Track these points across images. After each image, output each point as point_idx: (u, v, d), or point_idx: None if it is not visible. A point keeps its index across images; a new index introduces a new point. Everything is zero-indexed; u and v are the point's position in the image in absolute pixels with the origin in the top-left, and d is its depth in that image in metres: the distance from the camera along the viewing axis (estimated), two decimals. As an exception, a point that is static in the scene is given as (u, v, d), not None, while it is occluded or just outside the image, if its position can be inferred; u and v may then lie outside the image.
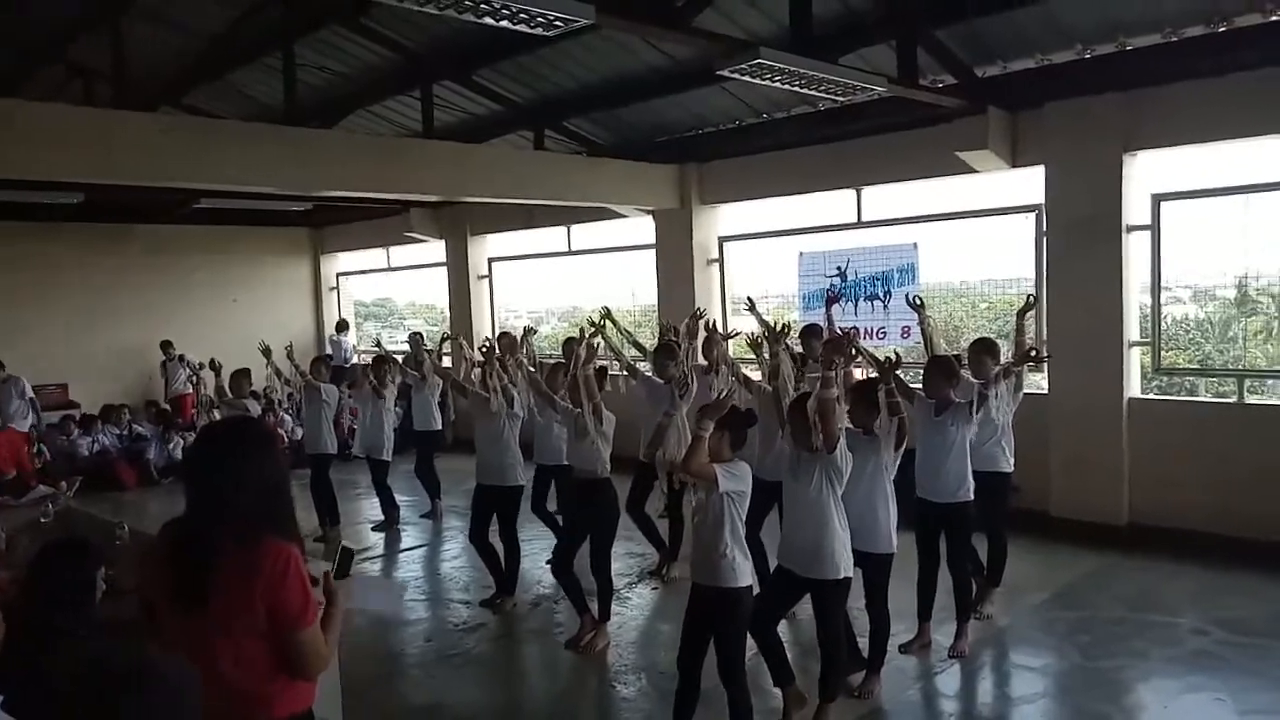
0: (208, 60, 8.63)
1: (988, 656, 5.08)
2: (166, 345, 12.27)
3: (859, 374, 5.53)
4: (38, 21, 7.91)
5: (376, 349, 10.26)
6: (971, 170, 7.51)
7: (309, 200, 11.84)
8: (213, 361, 7.78)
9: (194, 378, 8.24)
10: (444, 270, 13.04)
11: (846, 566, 4.12)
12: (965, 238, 8.52)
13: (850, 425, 4.37)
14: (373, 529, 8.41)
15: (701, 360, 7.20)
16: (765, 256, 9.99)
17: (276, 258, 14.72)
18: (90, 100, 8.52)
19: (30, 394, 10.48)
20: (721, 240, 9.92)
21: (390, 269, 14.71)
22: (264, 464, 2.34)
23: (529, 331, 8.46)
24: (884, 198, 8.62)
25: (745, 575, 3.76)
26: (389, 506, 8.45)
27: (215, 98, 9.44)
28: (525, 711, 4.80)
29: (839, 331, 5.91)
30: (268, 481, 2.33)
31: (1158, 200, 6.84)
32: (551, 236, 11.71)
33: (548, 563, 7.03)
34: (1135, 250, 7.00)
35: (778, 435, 5.14)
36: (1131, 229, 6.93)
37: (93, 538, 3.94)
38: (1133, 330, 7.09)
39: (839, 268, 8.70)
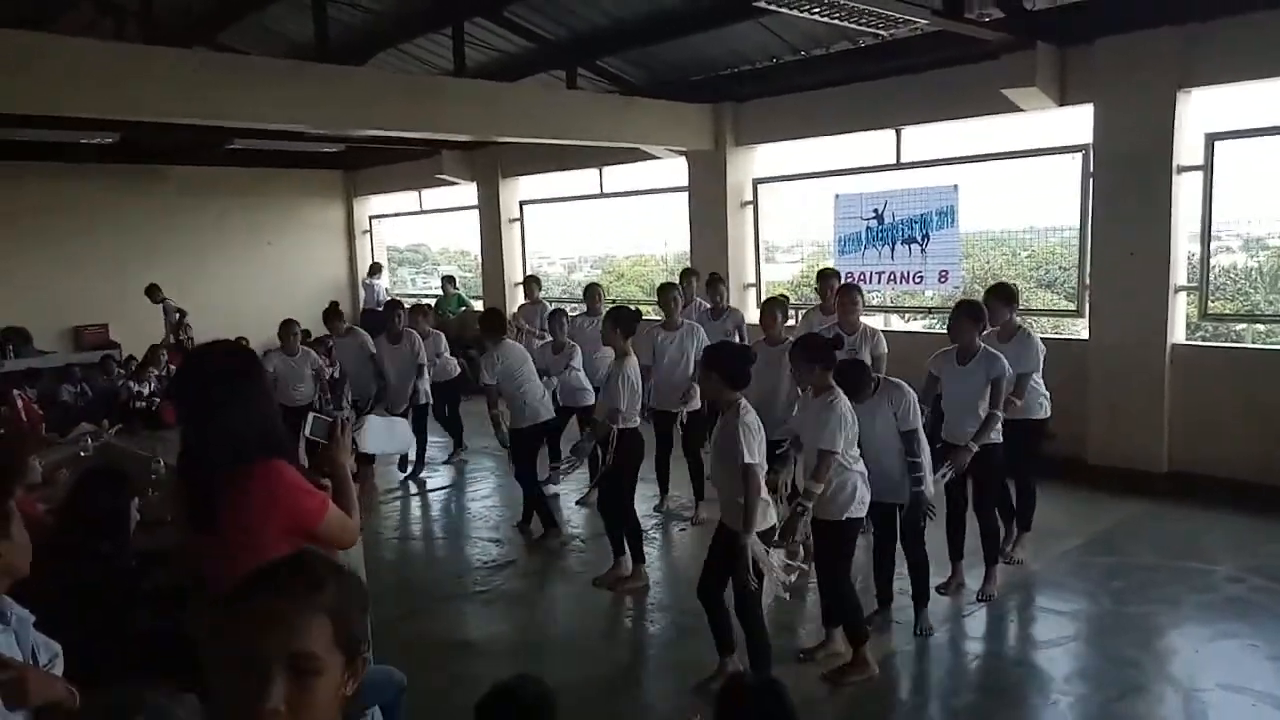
0: (237, -3, 8.56)
1: (1018, 600, 5.04)
2: (153, 289, 11.85)
3: None
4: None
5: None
6: (1017, 109, 7.26)
7: (341, 141, 11.81)
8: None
9: (179, 322, 8.15)
10: (475, 214, 12.98)
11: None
12: (1007, 180, 8.30)
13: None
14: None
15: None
16: (800, 199, 9.82)
17: (310, 200, 14.75)
18: (120, 38, 8.49)
19: None
20: (756, 182, 9.74)
21: (422, 212, 14.69)
22: (245, 387, 2.36)
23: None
24: (924, 138, 8.38)
25: (765, 519, 3.80)
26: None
27: (246, 36, 9.37)
28: (553, 647, 4.85)
29: None
30: (251, 403, 2.34)
31: (1212, 139, 6.58)
32: (583, 179, 11.59)
33: (577, 503, 7.12)
34: (1186, 192, 6.75)
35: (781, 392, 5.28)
36: (1183, 170, 6.67)
37: (129, 470, 4.03)
38: (1179, 275, 6.87)
39: (876, 210, 8.51)
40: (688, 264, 10.21)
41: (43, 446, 5.24)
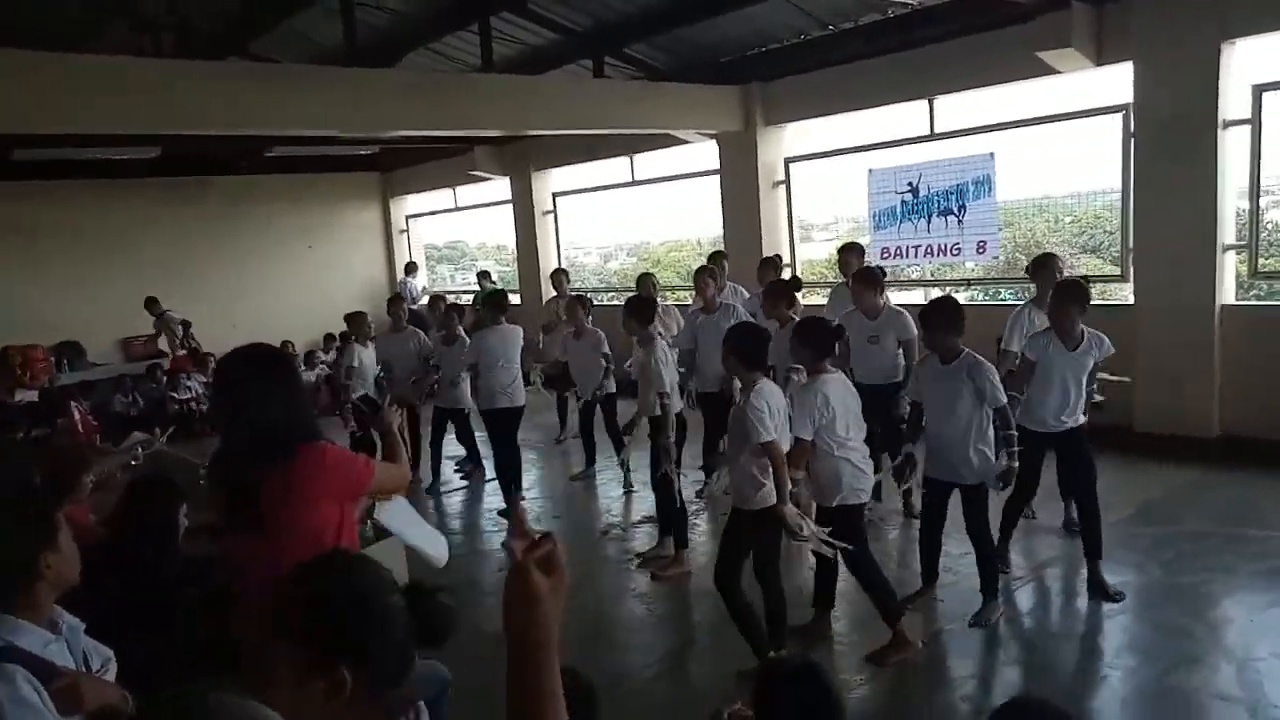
0: (268, 6, 8.68)
1: (1064, 572, 4.95)
2: (152, 303, 11.71)
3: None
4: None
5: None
6: (1053, 71, 7.09)
7: (375, 143, 11.95)
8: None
9: (185, 333, 8.22)
10: (509, 208, 13.06)
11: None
12: (1046, 145, 8.09)
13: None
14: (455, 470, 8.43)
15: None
16: (833, 176, 9.70)
17: (348, 203, 14.97)
18: (157, 53, 8.67)
19: None
20: (788, 161, 9.64)
21: (457, 209, 14.81)
22: (277, 381, 2.50)
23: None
24: (958, 107, 8.22)
25: (770, 497, 3.89)
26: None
27: (276, 43, 9.52)
28: (595, 636, 4.89)
29: None
30: (285, 396, 2.48)
31: (1259, 91, 6.36)
32: (614, 168, 11.59)
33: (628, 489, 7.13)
34: (1233, 147, 6.53)
35: None
36: (1229, 124, 6.46)
37: (178, 478, 4.14)
38: (1228, 234, 6.67)
39: (910, 183, 8.38)
40: (722, 248, 10.19)
41: (96, 460, 5.40)
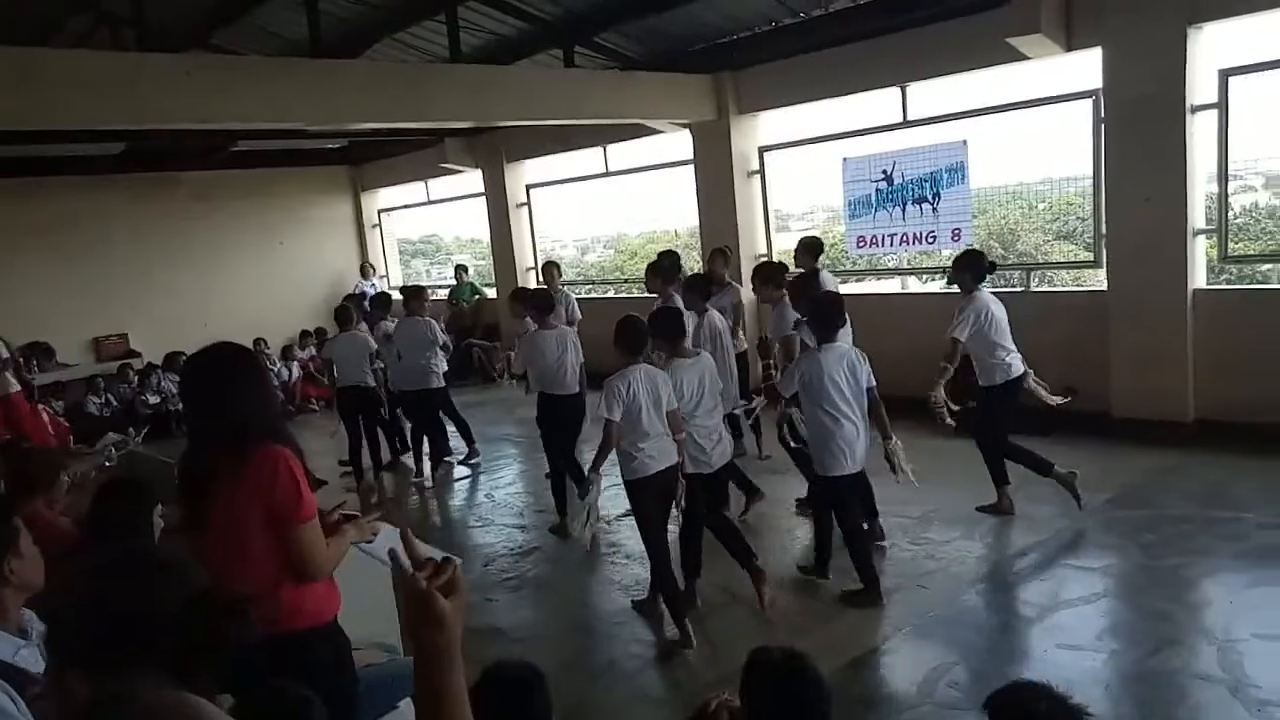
0: (231, -1, 8.54)
1: (1044, 558, 4.98)
2: None
3: None
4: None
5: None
6: (1024, 57, 7.11)
7: (344, 136, 11.79)
8: None
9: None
10: (483, 201, 12.95)
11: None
12: (1018, 132, 8.14)
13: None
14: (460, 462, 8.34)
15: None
16: (808, 165, 9.70)
17: (318, 197, 14.77)
18: (118, 46, 8.49)
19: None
20: (762, 150, 9.63)
21: (429, 203, 14.66)
22: (242, 379, 2.48)
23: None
24: (931, 94, 8.23)
25: (638, 470, 4.42)
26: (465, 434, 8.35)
27: (240, 37, 9.35)
28: (581, 630, 4.88)
29: None
30: (246, 396, 2.45)
31: (1225, 75, 6.41)
32: (588, 159, 11.51)
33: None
34: (1200, 132, 6.59)
35: None
36: (1196, 109, 6.51)
37: (152, 478, 4.05)
38: (1198, 218, 6.73)
39: (885, 171, 8.39)
40: (698, 238, 10.18)
41: (70, 460, 5.30)
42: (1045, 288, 8.54)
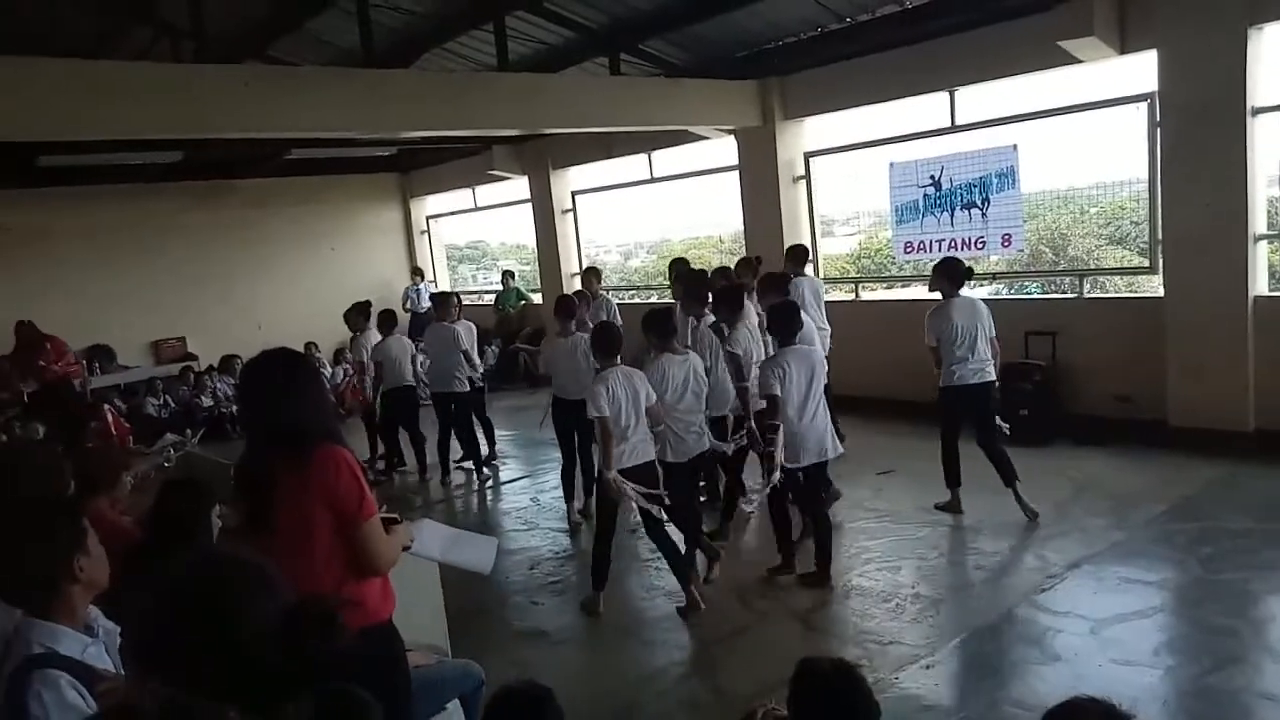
0: (286, 9, 8.71)
1: (1098, 570, 4.87)
2: None
3: None
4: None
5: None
6: (1075, 61, 6.99)
7: (394, 144, 11.97)
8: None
9: None
10: (529, 207, 13.06)
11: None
12: (1069, 136, 8.00)
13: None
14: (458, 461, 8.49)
15: None
16: (854, 170, 9.62)
17: (368, 204, 15.02)
18: (177, 58, 8.73)
19: None
20: (808, 156, 9.58)
21: (476, 209, 14.83)
22: (297, 385, 2.55)
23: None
24: (980, 98, 8.13)
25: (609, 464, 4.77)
26: (488, 436, 8.57)
27: (294, 47, 9.55)
28: (625, 636, 4.88)
29: None
30: (304, 399, 2.53)
31: (1289, 77, 6.25)
32: (633, 165, 11.55)
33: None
34: (1263, 135, 6.42)
35: None
36: (1258, 111, 6.35)
37: (209, 479, 4.16)
38: (1259, 223, 6.55)
39: (933, 176, 8.30)
40: (743, 243, 10.16)
41: (132, 460, 5.46)
42: (1098, 294, 8.37)
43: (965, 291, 5.88)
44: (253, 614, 1.29)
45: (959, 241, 8.19)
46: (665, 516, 5.02)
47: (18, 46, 7.18)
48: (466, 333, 8.05)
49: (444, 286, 15.12)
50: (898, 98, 8.43)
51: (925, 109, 8.46)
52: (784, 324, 5.16)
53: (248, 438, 2.72)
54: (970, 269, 5.95)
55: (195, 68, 6.83)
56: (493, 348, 13.03)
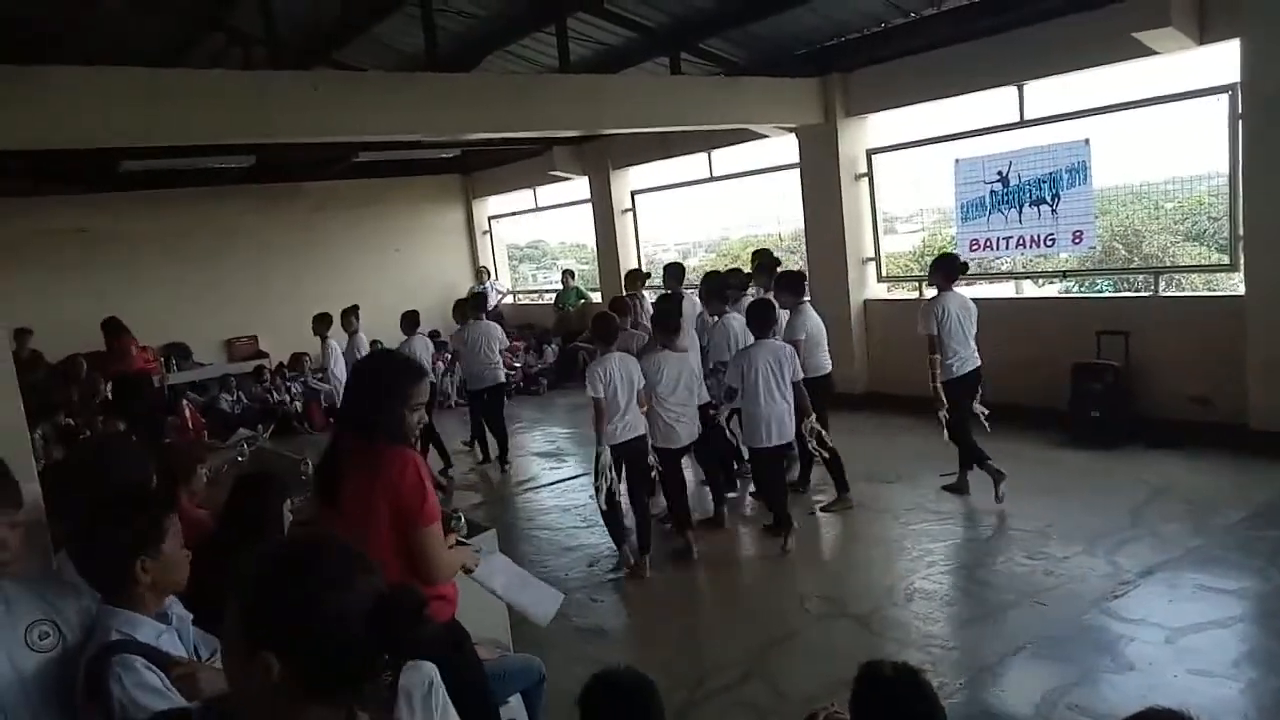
0: (353, 15, 8.91)
1: (1174, 577, 4.72)
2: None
3: None
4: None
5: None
6: (1151, 52, 6.77)
7: (457, 146, 12.14)
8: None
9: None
10: (589, 207, 13.14)
11: None
12: (1144, 130, 7.74)
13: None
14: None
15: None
16: (918, 167, 9.46)
17: (432, 205, 15.29)
18: (248, 64, 8.99)
19: None
20: (870, 153, 9.45)
21: (537, 209, 14.98)
22: (400, 386, 2.64)
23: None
24: (1049, 92, 7.92)
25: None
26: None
27: (361, 51, 9.76)
28: (684, 634, 4.89)
29: None
30: (381, 396, 2.62)
31: (1382, 65, 5.96)
32: (692, 164, 11.54)
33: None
34: (1354, 126, 6.14)
35: None
36: (1349, 102, 6.07)
37: (281, 473, 4.28)
38: (1349, 218, 6.26)
39: (1000, 173, 8.12)
40: (802, 241, 10.09)
41: (207, 455, 5.65)
42: (1174, 292, 8.10)
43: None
44: (343, 590, 1.32)
45: (1027, 239, 8.00)
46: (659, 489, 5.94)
47: (101, 57, 7.47)
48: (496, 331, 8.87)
49: (505, 286, 15.34)
50: (964, 93, 8.27)
51: (992, 104, 8.27)
52: (761, 320, 5.77)
53: (335, 428, 2.86)
54: (965, 265, 6.33)
55: (266, 74, 7.02)
56: (552, 346, 13.16)
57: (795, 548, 5.68)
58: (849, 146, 9.39)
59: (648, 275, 10.19)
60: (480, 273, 15.01)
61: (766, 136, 9.91)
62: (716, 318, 6.75)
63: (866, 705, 2.39)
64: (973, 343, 6.16)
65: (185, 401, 9.93)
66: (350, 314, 9.29)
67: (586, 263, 15.08)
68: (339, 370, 9.23)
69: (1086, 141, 7.58)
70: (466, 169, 15.09)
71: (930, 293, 6.42)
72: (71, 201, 11.72)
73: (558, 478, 8.22)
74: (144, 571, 2.09)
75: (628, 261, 12.71)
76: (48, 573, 2.40)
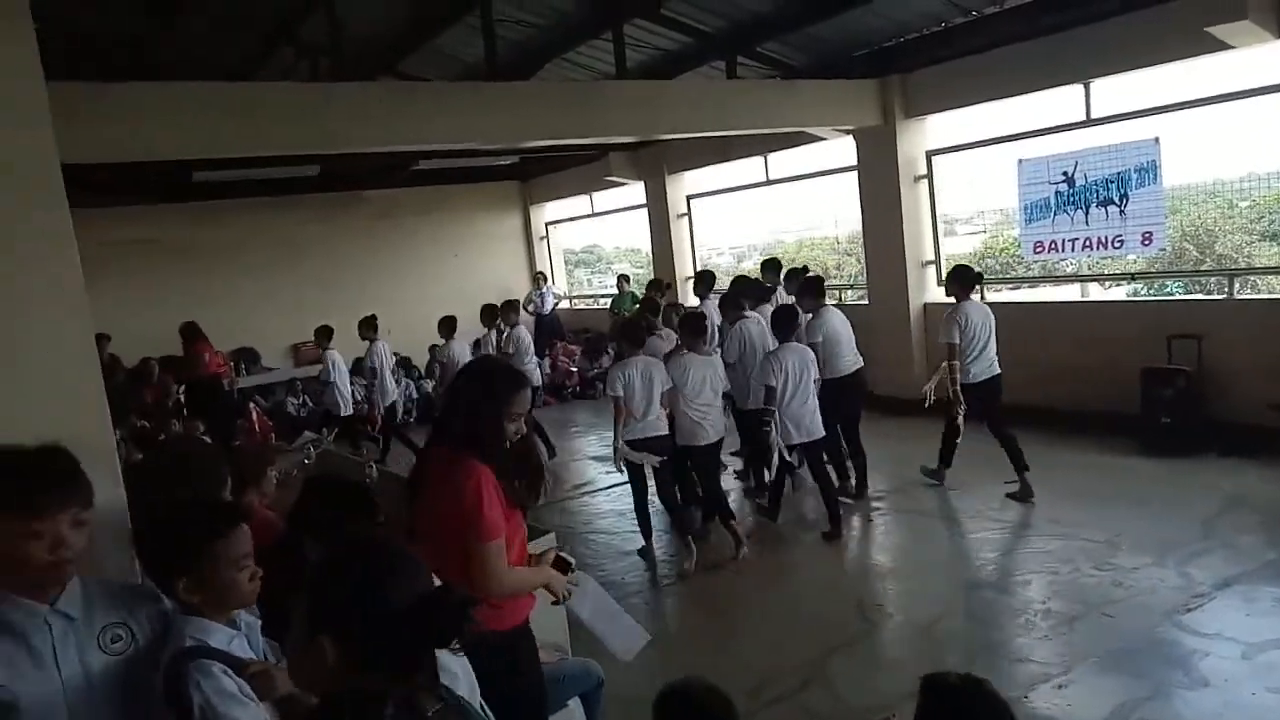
0: (416, 26, 9.09)
1: (1251, 591, 4.56)
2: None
3: None
4: (268, 6, 8.63)
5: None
6: (1226, 47, 6.55)
7: (515, 153, 12.29)
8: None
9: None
10: (644, 212, 13.19)
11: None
12: (1217, 127, 7.50)
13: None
14: None
15: None
16: (979, 168, 9.30)
17: (490, 212, 15.49)
18: (315, 76, 9.23)
19: None
20: (930, 154, 9.31)
21: (594, 214, 15.08)
22: (486, 386, 2.68)
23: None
24: (1117, 90, 7.72)
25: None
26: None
27: (423, 62, 9.94)
28: (742, 639, 4.88)
29: None
30: (476, 409, 2.65)
31: None
32: (748, 168, 11.51)
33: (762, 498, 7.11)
34: None
35: None
36: None
37: (347, 475, 4.38)
38: None
39: (1065, 173, 7.93)
40: (860, 244, 9.99)
41: (276, 457, 5.80)
42: (1249, 294, 7.81)
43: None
44: (390, 588, 1.48)
45: (1094, 240, 7.80)
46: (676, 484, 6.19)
47: (175, 72, 7.75)
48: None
49: (562, 291, 15.46)
50: (1028, 91, 8.10)
51: (1057, 102, 8.09)
52: (694, 332, 6.18)
53: (431, 437, 2.86)
54: (980, 274, 6.73)
55: (332, 86, 7.20)
56: (609, 351, 13.22)
57: (840, 546, 5.95)
58: (908, 148, 9.27)
59: (668, 285, 11.06)
60: (537, 277, 15.18)
61: (824, 139, 9.84)
62: (731, 323, 7.12)
63: (933, 717, 2.36)
64: (992, 350, 6.41)
65: (253, 405, 10.23)
66: (366, 323, 9.91)
67: (641, 266, 15.13)
68: (342, 381, 9.93)
69: (1156, 140, 7.37)
70: (524, 175, 15.26)
71: (949, 302, 6.69)
72: (145, 212, 12.15)
73: (613, 482, 8.25)
74: (186, 591, 2.08)
75: (683, 265, 12.72)
76: (129, 574, 2.48)
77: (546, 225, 15.95)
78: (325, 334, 10.05)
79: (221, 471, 2.87)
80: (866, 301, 9.89)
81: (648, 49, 9.20)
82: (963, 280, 6.48)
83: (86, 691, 1.92)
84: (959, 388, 6.32)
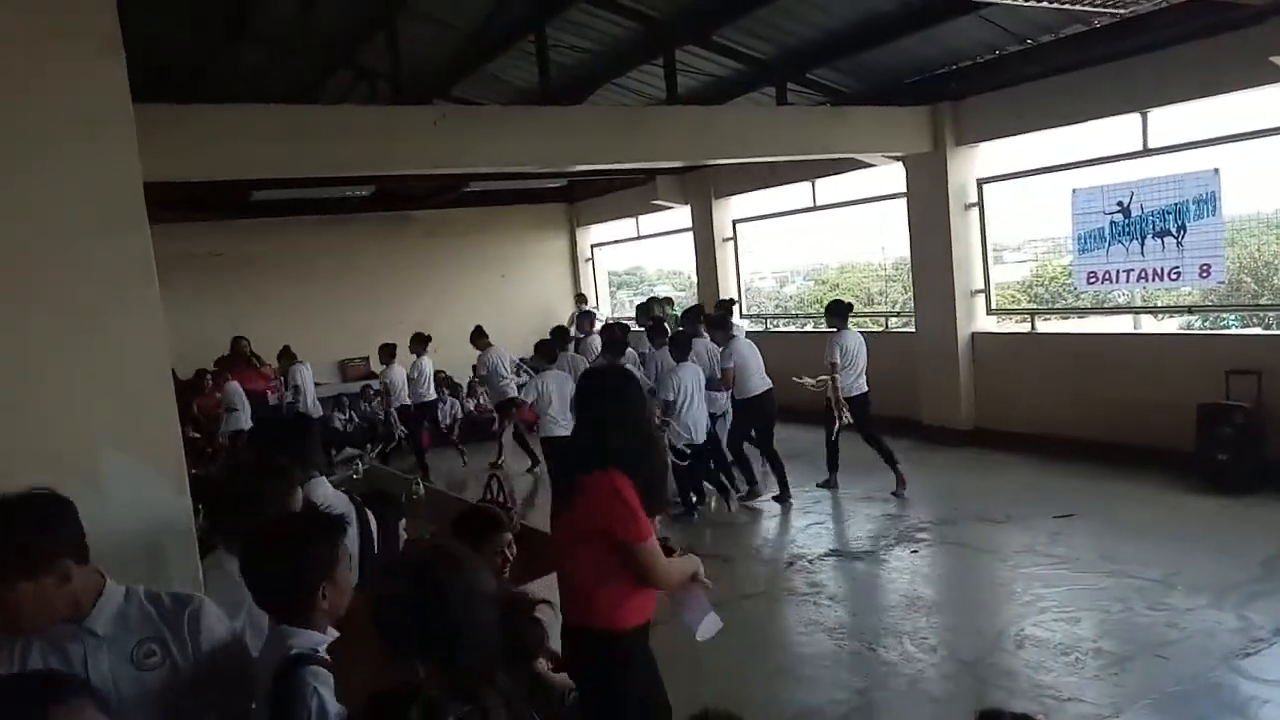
0: (471, 51, 9.28)
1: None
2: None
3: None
4: (330, 30, 8.89)
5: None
6: (1289, 77, 6.44)
7: (564, 176, 12.43)
8: None
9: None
10: (689, 236, 13.24)
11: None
12: (1276, 156, 7.34)
13: None
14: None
15: None
16: (1032, 197, 9.20)
17: (537, 233, 15.65)
18: (374, 99, 9.45)
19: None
20: (981, 182, 9.23)
21: (639, 237, 15.16)
22: (630, 414, 2.84)
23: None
24: (1175, 120, 7.61)
25: None
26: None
27: (478, 86, 10.14)
28: (785, 671, 4.83)
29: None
30: (629, 424, 2.81)
31: None
32: (795, 193, 11.51)
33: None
34: None
35: None
36: None
37: (394, 492, 4.45)
38: None
39: (1121, 203, 7.82)
40: (906, 270, 9.92)
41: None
42: (1312, 330, 7.61)
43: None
44: (460, 594, 1.55)
45: (1149, 272, 7.67)
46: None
47: (239, 95, 7.99)
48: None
49: (605, 313, 15.54)
50: (1083, 120, 8.02)
51: (1113, 132, 8.00)
52: (614, 349, 8.27)
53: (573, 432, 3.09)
54: (851, 305, 8.19)
55: (389, 109, 7.38)
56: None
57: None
58: (958, 175, 9.21)
59: (667, 300, 12.33)
60: (578, 299, 15.29)
61: (872, 165, 9.81)
62: (654, 349, 8.62)
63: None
64: (864, 369, 7.75)
65: (303, 419, 10.39)
66: (419, 339, 10.62)
67: (684, 290, 15.15)
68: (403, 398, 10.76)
69: (1216, 171, 7.24)
70: (571, 198, 15.42)
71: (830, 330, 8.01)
72: (207, 228, 12.49)
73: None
74: (324, 599, 2.10)
75: (727, 289, 12.73)
76: (193, 581, 2.55)
77: (592, 247, 16.07)
78: (389, 352, 10.66)
79: (295, 495, 2.87)
80: (913, 329, 9.80)
81: (698, 75, 9.27)
82: (840, 312, 7.88)
83: (116, 704, 1.89)
84: (841, 397, 7.57)
